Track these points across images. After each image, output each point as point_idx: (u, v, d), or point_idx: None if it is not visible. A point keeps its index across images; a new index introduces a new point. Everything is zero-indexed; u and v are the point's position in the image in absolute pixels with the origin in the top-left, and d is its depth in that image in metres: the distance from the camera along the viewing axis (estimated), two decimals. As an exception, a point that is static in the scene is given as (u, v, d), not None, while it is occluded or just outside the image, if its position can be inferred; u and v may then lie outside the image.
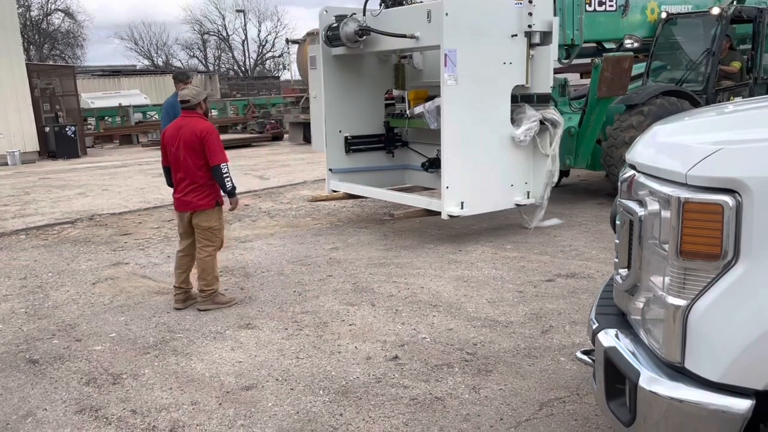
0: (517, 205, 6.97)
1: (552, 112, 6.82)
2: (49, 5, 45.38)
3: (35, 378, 3.96)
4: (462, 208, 6.48)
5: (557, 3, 8.27)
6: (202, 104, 5.00)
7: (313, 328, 4.55)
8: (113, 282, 5.92)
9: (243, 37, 55.57)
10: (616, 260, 2.31)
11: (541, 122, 6.79)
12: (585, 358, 2.46)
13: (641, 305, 2.07)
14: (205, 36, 54.91)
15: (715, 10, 8.47)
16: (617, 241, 2.29)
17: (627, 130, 7.96)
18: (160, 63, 53.02)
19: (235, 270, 6.12)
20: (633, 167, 2.24)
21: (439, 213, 6.57)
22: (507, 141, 6.69)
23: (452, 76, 6.20)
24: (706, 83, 8.52)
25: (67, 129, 18.04)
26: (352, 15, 6.97)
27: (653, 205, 1.96)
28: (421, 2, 6.98)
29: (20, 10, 40.78)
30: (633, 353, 2.06)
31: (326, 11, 7.36)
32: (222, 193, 5.02)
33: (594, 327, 2.30)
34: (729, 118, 2.33)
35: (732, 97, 8.66)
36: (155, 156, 18.08)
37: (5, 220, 8.98)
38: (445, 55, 6.11)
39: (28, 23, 43.27)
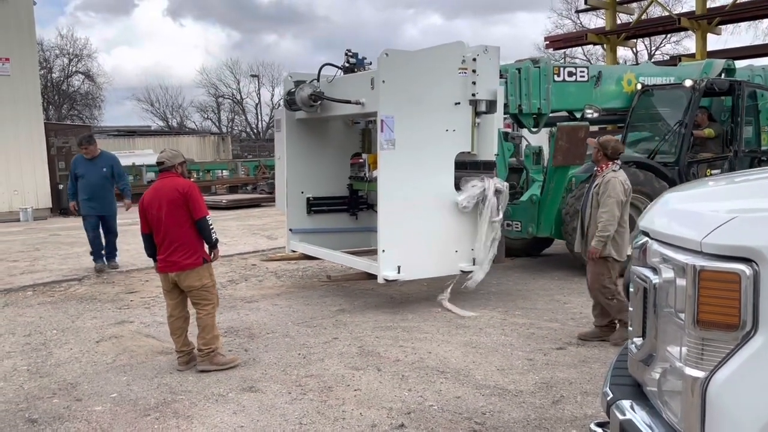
0: (462, 271, 6.75)
1: (496, 180, 6.69)
2: (71, 68, 46.92)
3: (32, 439, 3.86)
4: (399, 272, 6.36)
5: (522, 72, 8.45)
6: (178, 167, 5.02)
7: (317, 393, 4.44)
8: (117, 341, 5.85)
9: (256, 101, 57.03)
10: (631, 329, 2.26)
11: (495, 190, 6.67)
12: (599, 431, 2.37)
13: (657, 376, 2.01)
14: (220, 99, 56.42)
15: (688, 83, 8.49)
16: (631, 309, 2.25)
17: (574, 204, 7.72)
18: (174, 124, 54.29)
19: (240, 331, 6.05)
20: (646, 234, 2.23)
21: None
22: (450, 207, 6.59)
23: (389, 142, 6.22)
24: (678, 155, 8.41)
25: (80, 187, 18.26)
26: (310, 81, 7.19)
27: (668, 273, 1.93)
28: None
29: (42, 72, 42.19)
30: (650, 426, 1.99)
31: (290, 77, 7.65)
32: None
33: (608, 398, 2.23)
34: (742, 186, 2.33)
35: (709, 171, 8.59)
36: (165, 214, 18.23)
37: (13, 275, 8.98)
38: (382, 120, 6.17)
39: (49, 84, 44.61)
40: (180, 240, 4.86)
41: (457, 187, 6.65)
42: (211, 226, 4.94)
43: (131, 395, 4.50)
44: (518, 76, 8.40)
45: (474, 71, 6.56)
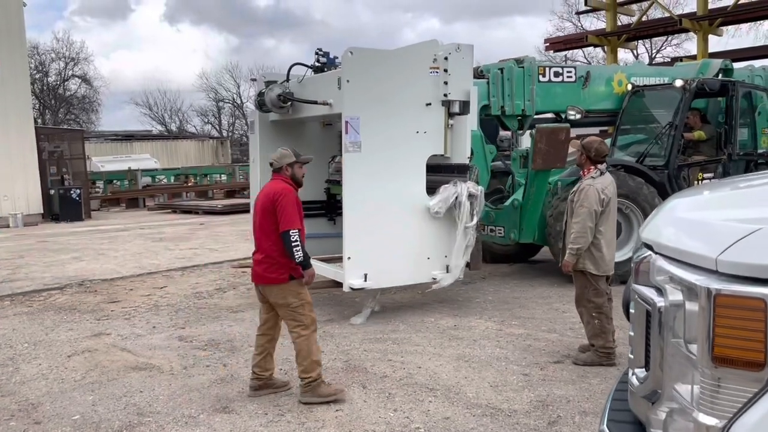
0: (435, 279, 6.41)
1: (470, 184, 6.35)
2: (67, 71, 46.63)
3: (-18, 467, 3.56)
4: (365, 280, 6.06)
5: (505, 72, 8.11)
6: (287, 168, 4.59)
7: (295, 414, 4.13)
8: (90, 355, 5.54)
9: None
10: (631, 356, 1.95)
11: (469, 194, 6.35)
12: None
13: (663, 416, 1.70)
14: (220, 103, 56.14)
15: (678, 83, 8.13)
16: (631, 333, 1.94)
17: (557, 215, 7.36)
18: (173, 128, 53.99)
19: (222, 343, 5.74)
20: (649, 247, 1.91)
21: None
22: (421, 212, 6.29)
23: (354, 144, 5.94)
24: (668, 158, 8.05)
25: (72, 192, 18.02)
26: (281, 82, 6.92)
27: (675, 295, 1.62)
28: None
29: (38, 76, 41.96)
30: (655, 475, 1.68)
31: (263, 77, 7.37)
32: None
33: (606, 439, 1.91)
34: (763, 191, 2.00)
35: (701, 174, 8.24)
36: (158, 220, 17.92)
37: (-7, 284, 8.69)
38: (347, 122, 5.88)
39: (45, 88, 44.31)
40: (266, 251, 4.41)
41: (431, 192, 6.33)
42: (294, 242, 4.28)
43: (95, 417, 4.19)
44: (500, 76, 8.07)
45: (446, 70, 6.26)
